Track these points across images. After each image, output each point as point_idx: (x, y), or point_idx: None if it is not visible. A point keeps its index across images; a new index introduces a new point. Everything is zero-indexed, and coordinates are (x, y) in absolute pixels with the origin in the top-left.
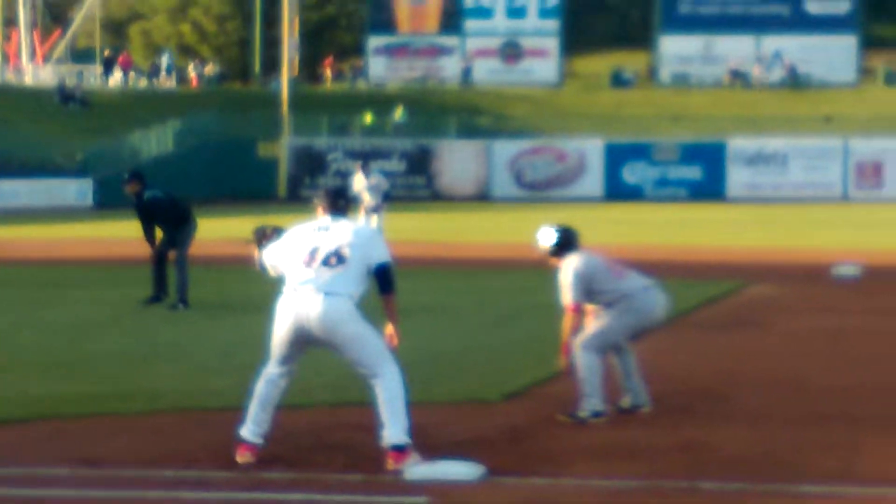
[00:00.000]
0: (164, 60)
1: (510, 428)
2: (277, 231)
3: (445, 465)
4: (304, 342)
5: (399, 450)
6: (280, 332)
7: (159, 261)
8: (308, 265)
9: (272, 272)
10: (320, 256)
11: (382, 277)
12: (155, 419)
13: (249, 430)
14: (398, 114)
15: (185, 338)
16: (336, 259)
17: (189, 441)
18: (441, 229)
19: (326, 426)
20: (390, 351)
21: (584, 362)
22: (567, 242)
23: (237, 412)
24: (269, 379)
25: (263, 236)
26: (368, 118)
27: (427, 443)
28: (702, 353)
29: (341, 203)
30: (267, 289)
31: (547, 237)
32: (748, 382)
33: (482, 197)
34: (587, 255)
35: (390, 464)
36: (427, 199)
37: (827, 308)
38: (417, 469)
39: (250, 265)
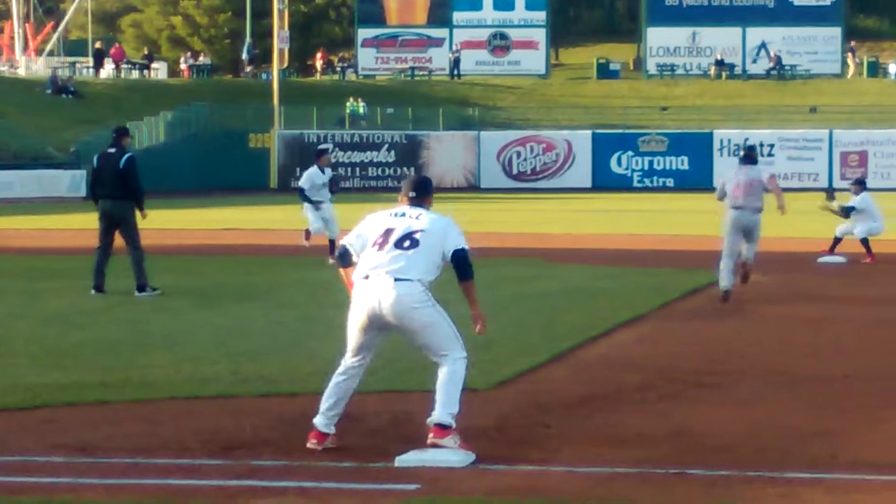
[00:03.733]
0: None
1: (499, 415)
2: None
3: (436, 453)
4: (377, 329)
5: (442, 427)
6: (354, 320)
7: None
8: (381, 248)
9: (354, 257)
10: (393, 239)
11: (459, 264)
12: (147, 407)
13: (321, 421)
14: (354, 106)
15: (177, 327)
16: (409, 242)
17: (181, 429)
18: None
19: (317, 414)
20: (461, 337)
21: None
22: None
23: (229, 400)
24: (345, 371)
25: None
26: (351, 106)
27: (417, 431)
28: (689, 342)
29: (422, 192)
30: (257, 279)
31: None
32: (735, 370)
33: (471, 187)
34: None
35: (431, 437)
36: None
37: (813, 296)
38: (408, 456)
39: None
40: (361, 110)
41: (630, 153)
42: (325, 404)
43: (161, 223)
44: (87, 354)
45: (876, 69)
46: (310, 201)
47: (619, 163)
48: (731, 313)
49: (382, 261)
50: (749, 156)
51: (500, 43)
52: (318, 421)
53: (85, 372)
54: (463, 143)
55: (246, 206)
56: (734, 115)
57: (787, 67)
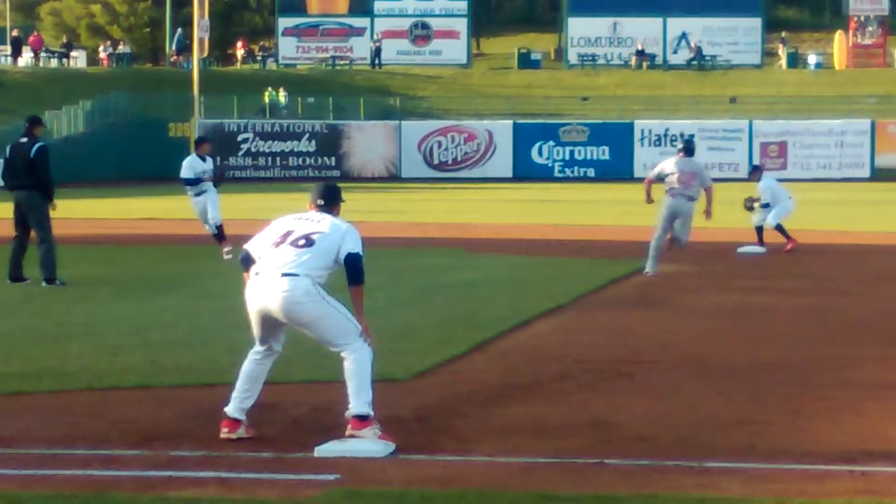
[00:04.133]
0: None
1: (419, 406)
2: None
3: (355, 443)
4: (271, 323)
5: (361, 419)
6: (250, 315)
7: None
8: (277, 247)
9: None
10: (290, 239)
11: (350, 268)
12: (65, 398)
13: (232, 407)
14: (274, 95)
15: (96, 317)
16: (304, 241)
17: (99, 420)
18: (350, 209)
19: None
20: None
21: None
22: None
23: (148, 391)
24: (252, 358)
25: None
26: (270, 95)
27: (335, 421)
28: (609, 331)
29: (330, 200)
30: (177, 269)
31: None
32: (654, 360)
33: (392, 177)
34: None
35: (349, 430)
36: (337, 180)
37: (731, 286)
38: (327, 447)
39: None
40: (283, 100)
41: (551, 143)
42: (235, 391)
43: (81, 213)
44: (5, 345)
45: (796, 60)
46: (193, 184)
47: (540, 153)
48: (651, 303)
49: (274, 258)
50: (688, 148)
51: (421, 32)
52: (229, 408)
53: (2, 362)
54: (384, 132)
55: (166, 195)
56: (655, 105)
57: (707, 58)
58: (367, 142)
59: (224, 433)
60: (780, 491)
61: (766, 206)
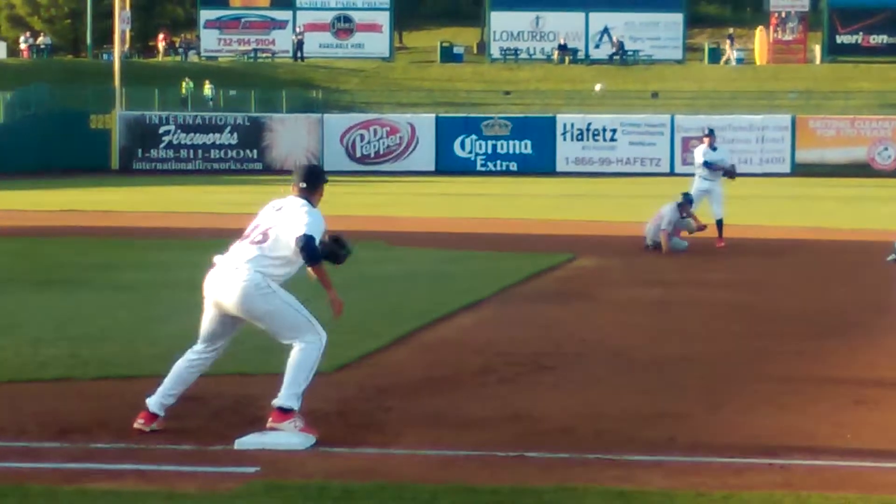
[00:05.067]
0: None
1: (340, 399)
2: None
3: (276, 436)
4: (223, 319)
5: (283, 411)
6: (204, 306)
7: None
8: (241, 241)
9: None
10: (252, 233)
11: (301, 250)
12: None
13: (154, 402)
14: (189, 86)
15: (16, 309)
16: (261, 237)
17: (19, 412)
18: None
19: None
20: (316, 322)
21: None
22: None
23: (69, 383)
24: (188, 357)
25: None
26: (188, 87)
27: (257, 414)
28: (530, 325)
29: (312, 182)
30: (97, 260)
31: None
32: (574, 353)
33: None
34: None
35: (270, 422)
36: (259, 172)
37: (653, 280)
38: (247, 439)
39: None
40: (209, 92)
41: (473, 137)
42: (163, 387)
43: (0, 204)
44: None
45: (717, 55)
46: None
47: (462, 146)
48: (573, 297)
49: (233, 253)
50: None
51: (343, 26)
52: (152, 401)
53: None
54: (306, 125)
55: (86, 187)
56: (577, 99)
57: (629, 53)
58: (290, 135)
59: (138, 423)
60: (700, 484)
61: (731, 175)
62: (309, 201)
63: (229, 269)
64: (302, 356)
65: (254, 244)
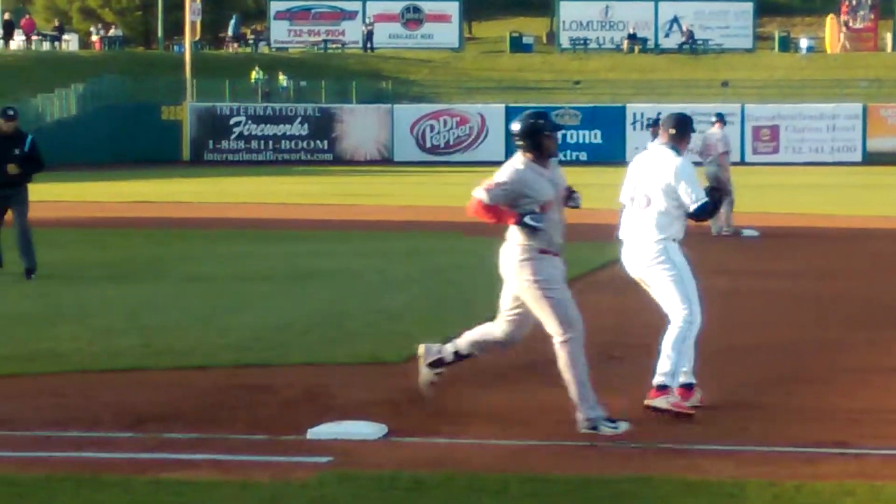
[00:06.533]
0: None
1: (411, 389)
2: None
3: (348, 425)
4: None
5: (659, 388)
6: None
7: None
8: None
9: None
10: (636, 198)
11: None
12: (58, 380)
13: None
14: (277, 79)
15: (89, 299)
16: (645, 201)
17: (92, 402)
18: (343, 193)
19: (229, 387)
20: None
21: None
22: None
23: (141, 373)
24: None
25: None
26: (257, 75)
27: (328, 403)
28: (600, 314)
29: (680, 130)
30: (170, 251)
31: None
32: (645, 343)
33: (384, 161)
34: None
35: (648, 398)
36: (329, 163)
37: (720, 269)
38: (321, 429)
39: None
40: (283, 82)
41: None
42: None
43: (73, 196)
44: None
45: (787, 44)
46: None
47: None
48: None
49: (630, 221)
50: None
51: (413, 16)
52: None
53: None
54: (376, 116)
55: (158, 178)
56: (646, 89)
57: (699, 42)
58: (360, 125)
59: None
60: (771, 474)
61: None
62: (676, 148)
63: (632, 241)
64: (678, 331)
65: (641, 209)
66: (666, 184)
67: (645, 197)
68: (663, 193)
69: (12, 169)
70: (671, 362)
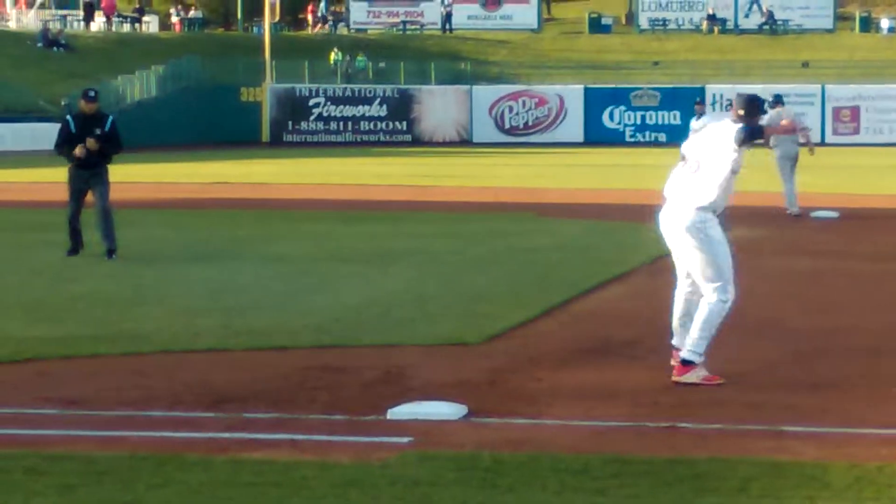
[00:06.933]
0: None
1: (491, 369)
2: None
3: (428, 405)
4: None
5: (684, 364)
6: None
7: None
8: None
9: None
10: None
11: (743, 137)
12: (139, 360)
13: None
14: (356, 60)
15: (169, 280)
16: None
17: (173, 382)
18: (422, 174)
19: (309, 367)
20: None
21: None
22: None
23: (221, 353)
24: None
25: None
26: (336, 56)
27: (408, 384)
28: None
29: (749, 111)
30: (249, 232)
31: None
32: (726, 324)
33: (463, 142)
34: None
35: (673, 375)
36: (408, 144)
37: (800, 251)
38: (400, 409)
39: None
40: (362, 63)
41: (622, 108)
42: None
43: (153, 177)
44: (79, 307)
45: (868, 24)
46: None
47: (611, 117)
48: None
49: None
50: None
51: None
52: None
53: (76, 325)
54: (455, 97)
55: (237, 159)
56: (726, 69)
57: (779, 22)
58: (439, 106)
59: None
60: (853, 455)
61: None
62: None
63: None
64: (708, 311)
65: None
66: (719, 147)
67: (696, 161)
68: (715, 159)
69: (91, 144)
70: (701, 339)
